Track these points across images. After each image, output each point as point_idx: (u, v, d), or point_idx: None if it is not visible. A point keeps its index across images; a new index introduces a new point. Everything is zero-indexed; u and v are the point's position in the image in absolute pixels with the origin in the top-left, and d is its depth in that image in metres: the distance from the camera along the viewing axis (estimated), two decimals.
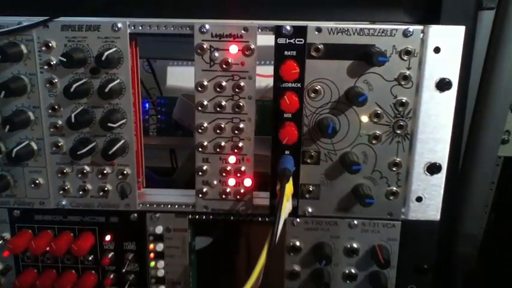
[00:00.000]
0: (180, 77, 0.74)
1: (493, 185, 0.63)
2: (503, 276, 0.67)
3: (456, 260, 0.59)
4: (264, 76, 0.51)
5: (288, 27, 0.40)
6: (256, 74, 0.42)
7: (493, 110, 0.53)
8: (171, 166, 0.67)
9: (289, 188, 0.39)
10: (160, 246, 0.47)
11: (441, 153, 0.42)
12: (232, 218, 0.46)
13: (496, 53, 0.51)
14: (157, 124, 0.64)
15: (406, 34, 0.39)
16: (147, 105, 0.65)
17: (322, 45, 0.40)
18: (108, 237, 0.47)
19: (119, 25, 0.41)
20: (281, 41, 0.40)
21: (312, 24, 0.40)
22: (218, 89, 0.42)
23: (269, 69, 0.43)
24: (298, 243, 0.46)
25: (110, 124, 0.41)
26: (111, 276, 0.48)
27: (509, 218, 0.67)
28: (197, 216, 0.46)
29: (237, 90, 0.42)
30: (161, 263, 0.47)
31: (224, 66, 0.41)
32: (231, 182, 0.44)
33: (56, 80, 0.42)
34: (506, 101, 0.53)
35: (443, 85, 0.40)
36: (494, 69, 0.51)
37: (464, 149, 0.54)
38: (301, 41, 0.40)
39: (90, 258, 0.47)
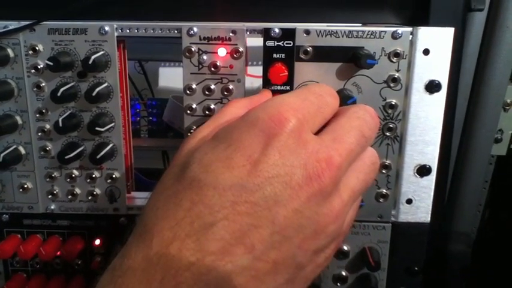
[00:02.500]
0: (172, 78, 0.73)
1: (486, 183, 0.63)
2: (497, 275, 0.68)
3: (449, 259, 0.59)
4: (257, 77, 0.50)
5: (277, 30, 0.40)
6: (249, 75, 0.42)
7: (486, 109, 0.53)
8: (163, 168, 0.67)
9: None
10: None
11: (431, 155, 0.42)
12: None
13: (488, 54, 0.51)
14: (149, 126, 0.64)
15: (395, 36, 0.39)
16: (138, 106, 0.65)
17: (311, 48, 0.40)
18: (97, 242, 0.46)
19: (106, 28, 0.41)
20: (270, 43, 0.40)
21: (300, 26, 0.40)
22: (207, 92, 0.41)
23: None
24: None
25: (97, 128, 0.41)
26: None
27: (503, 217, 0.67)
28: None
29: (225, 93, 0.41)
30: None
31: (212, 69, 0.41)
32: None
33: (43, 84, 0.42)
34: (499, 100, 0.53)
35: (432, 87, 0.40)
36: (487, 69, 0.51)
37: (455, 149, 0.54)
38: (290, 43, 0.40)
39: (79, 263, 0.47)
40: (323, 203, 0.28)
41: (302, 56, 0.40)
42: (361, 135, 0.31)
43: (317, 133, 0.30)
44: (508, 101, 0.57)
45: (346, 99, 0.38)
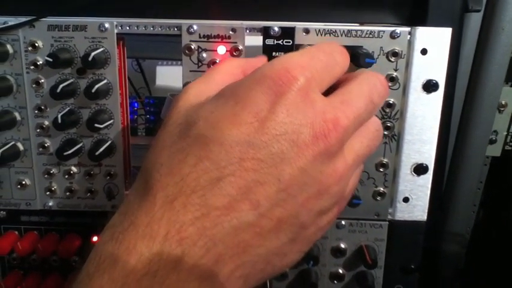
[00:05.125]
0: (170, 76, 0.73)
1: (481, 184, 0.64)
2: (491, 275, 0.68)
3: (443, 259, 0.60)
4: None
5: (276, 28, 0.40)
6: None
7: (481, 110, 0.53)
8: None
9: None
10: None
11: (428, 154, 0.42)
12: None
13: (483, 55, 0.51)
14: (146, 124, 0.63)
15: (393, 36, 0.40)
16: (136, 105, 0.65)
17: (310, 47, 0.40)
18: (95, 239, 0.46)
19: (106, 25, 0.41)
20: (269, 42, 0.40)
21: (299, 25, 0.40)
22: None
23: None
24: None
25: (96, 125, 0.41)
26: None
27: (497, 217, 0.68)
28: None
29: None
30: None
31: (212, 66, 0.41)
32: None
33: (42, 81, 0.42)
34: (494, 102, 0.54)
35: (430, 86, 0.40)
36: (482, 70, 0.52)
37: (451, 149, 0.55)
38: (289, 42, 0.40)
39: (77, 260, 0.47)
40: (328, 163, 0.28)
41: None
42: (370, 100, 0.31)
43: (326, 93, 0.30)
44: (503, 102, 0.58)
45: (365, 56, 0.38)
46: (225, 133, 0.27)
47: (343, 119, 0.28)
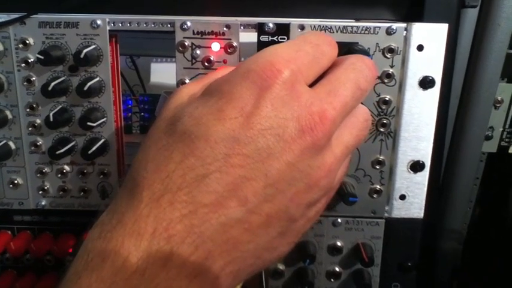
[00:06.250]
0: (164, 74, 0.73)
1: (477, 180, 0.64)
2: (488, 271, 0.68)
3: (440, 256, 0.60)
4: None
5: (271, 25, 0.39)
6: None
7: (477, 106, 0.53)
8: None
9: None
10: None
11: (424, 151, 0.42)
12: None
13: (479, 51, 0.51)
14: (141, 122, 0.63)
15: (389, 32, 0.39)
16: (130, 102, 0.64)
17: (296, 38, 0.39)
18: None
19: (98, 22, 0.40)
20: (264, 38, 0.40)
21: (294, 21, 0.39)
22: None
23: None
24: None
25: (89, 123, 0.41)
26: None
27: (493, 213, 0.68)
28: None
29: None
30: None
31: (206, 64, 0.40)
32: None
33: (33, 78, 0.41)
34: (489, 98, 0.53)
35: (426, 83, 0.40)
36: (478, 66, 0.52)
37: (448, 146, 0.54)
38: (284, 38, 0.40)
39: (71, 259, 0.46)
40: (315, 157, 0.28)
41: None
42: (357, 87, 0.30)
43: (313, 83, 0.30)
44: (499, 98, 0.57)
45: (361, 53, 0.37)
46: (210, 129, 0.27)
47: (329, 110, 0.28)
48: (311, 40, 0.31)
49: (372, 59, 0.39)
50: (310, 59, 0.30)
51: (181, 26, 0.40)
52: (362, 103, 0.33)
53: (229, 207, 0.26)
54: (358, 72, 0.31)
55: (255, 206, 0.27)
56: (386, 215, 0.44)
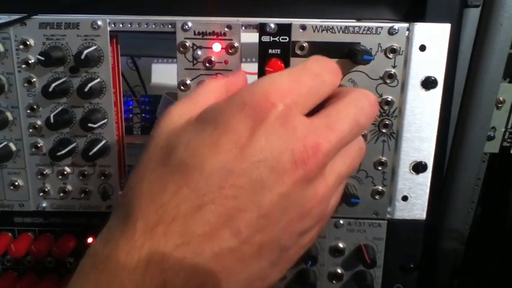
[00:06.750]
0: (165, 74, 0.73)
1: (479, 181, 0.64)
2: (490, 272, 0.68)
3: (441, 256, 0.60)
4: (251, 74, 0.50)
5: (272, 25, 0.39)
6: (245, 72, 0.41)
7: (479, 106, 0.53)
8: None
9: None
10: None
11: (427, 152, 0.42)
12: None
13: (481, 51, 0.51)
14: (142, 123, 0.63)
15: (391, 32, 0.39)
16: (131, 103, 0.64)
17: (306, 43, 0.39)
18: (90, 240, 0.46)
19: (99, 23, 0.40)
20: (265, 38, 0.40)
21: (296, 21, 0.39)
22: None
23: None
24: None
25: (90, 124, 0.41)
26: None
27: (495, 214, 0.68)
28: None
29: None
30: None
31: (207, 64, 0.40)
32: None
33: (34, 80, 0.41)
34: (492, 98, 0.53)
35: (428, 83, 0.40)
36: (480, 66, 0.51)
37: (450, 146, 0.54)
38: (286, 38, 0.40)
39: (71, 261, 0.46)
40: (307, 188, 0.28)
41: (298, 52, 0.39)
42: (356, 123, 0.30)
43: (314, 109, 0.30)
44: (501, 98, 0.57)
45: (363, 53, 0.37)
46: (205, 161, 0.27)
47: (324, 144, 0.28)
48: (312, 69, 0.31)
49: (373, 59, 0.39)
50: (308, 90, 0.30)
51: (182, 27, 0.40)
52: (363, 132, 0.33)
53: (223, 239, 0.26)
54: (359, 109, 0.31)
55: (247, 237, 0.27)
56: (388, 216, 0.44)
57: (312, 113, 0.30)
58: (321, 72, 0.31)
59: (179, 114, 0.32)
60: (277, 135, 0.27)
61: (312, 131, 0.28)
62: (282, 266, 0.30)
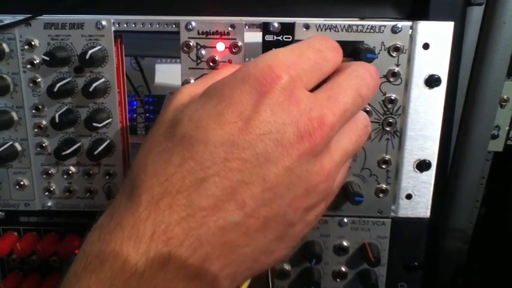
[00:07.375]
0: (169, 74, 0.73)
1: (483, 179, 0.63)
2: (493, 271, 0.68)
3: (445, 255, 0.60)
4: None
5: (276, 24, 0.39)
6: None
7: (483, 105, 0.53)
8: None
9: None
10: None
11: (430, 150, 0.42)
12: None
13: (485, 50, 0.51)
14: (146, 122, 0.63)
15: (394, 30, 0.39)
16: (135, 103, 0.64)
17: (301, 42, 0.39)
18: None
19: (103, 23, 0.40)
20: (269, 38, 0.40)
21: (299, 20, 0.39)
22: None
23: None
24: None
25: (94, 124, 0.41)
26: None
27: (499, 213, 0.68)
28: None
29: None
30: None
31: (211, 64, 0.40)
32: None
33: (39, 80, 0.42)
34: (495, 96, 0.53)
35: (432, 82, 0.40)
36: (484, 65, 0.51)
37: (454, 145, 0.54)
38: (289, 37, 0.40)
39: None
40: (314, 162, 0.28)
41: None
42: (358, 94, 0.30)
43: (316, 88, 0.30)
44: (505, 97, 0.57)
45: (366, 52, 0.37)
46: (209, 133, 0.27)
47: (329, 116, 0.28)
48: (314, 45, 0.31)
49: (377, 57, 0.39)
50: (312, 65, 0.30)
51: (186, 26, 0.40)
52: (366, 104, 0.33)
53: (227, 211, 0.26)
54: (360, 79, 0.31)
55: (252, 210, 0.27)
56: (392, 214, 0.44)
57: (313, 90, 0.30)
58: (324, 49, 0.31)
59: (189, 92, 0.32)
60: (281, 107, 0.27)
61: (316, 104, 0.28)
62: (288, 242, 0.30)
